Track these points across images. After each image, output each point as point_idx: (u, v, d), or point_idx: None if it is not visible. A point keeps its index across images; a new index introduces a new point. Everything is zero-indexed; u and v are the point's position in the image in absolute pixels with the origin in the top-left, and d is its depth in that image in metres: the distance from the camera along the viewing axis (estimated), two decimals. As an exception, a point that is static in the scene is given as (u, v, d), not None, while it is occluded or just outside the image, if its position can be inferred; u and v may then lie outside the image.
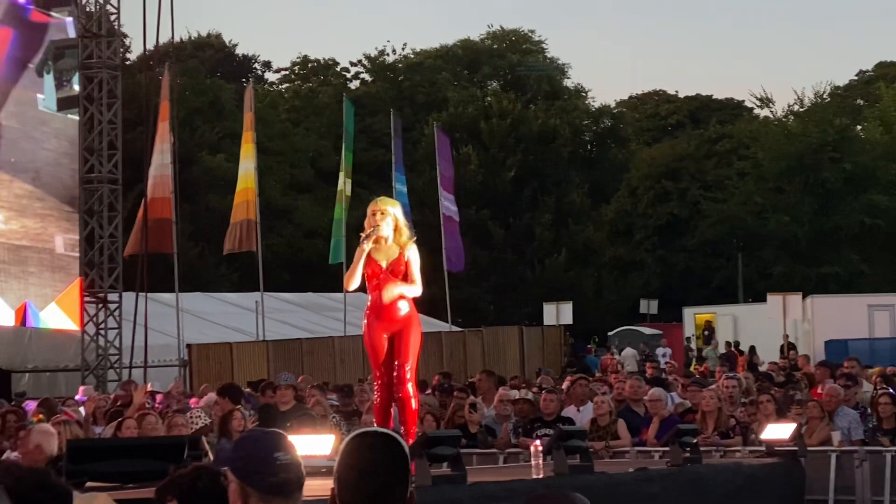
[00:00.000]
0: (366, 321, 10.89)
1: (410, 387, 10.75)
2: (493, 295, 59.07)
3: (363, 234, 10.70)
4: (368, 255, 10.67)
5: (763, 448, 13.55)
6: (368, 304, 10.89)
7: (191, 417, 14.64)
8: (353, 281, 10.78)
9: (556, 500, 3.49)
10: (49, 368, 31.68)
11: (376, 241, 10.66)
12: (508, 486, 10.03)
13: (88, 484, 8.37)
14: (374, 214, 10.75)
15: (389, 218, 10.70)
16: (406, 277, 10.68)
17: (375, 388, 11.05)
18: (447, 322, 38.31)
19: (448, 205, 38.46)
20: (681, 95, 77.75)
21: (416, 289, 10.71)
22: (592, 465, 11.07)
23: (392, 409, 10.92)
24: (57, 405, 17.77)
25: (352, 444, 3.99)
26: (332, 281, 38.70)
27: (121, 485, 8.77)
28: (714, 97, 77.68)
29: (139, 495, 8.61)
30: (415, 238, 10.87)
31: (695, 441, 12.56)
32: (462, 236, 41.35)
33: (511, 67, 70.61)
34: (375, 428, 4.24)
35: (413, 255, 10.71)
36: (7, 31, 29.76)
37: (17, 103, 29.77)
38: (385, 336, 10.76)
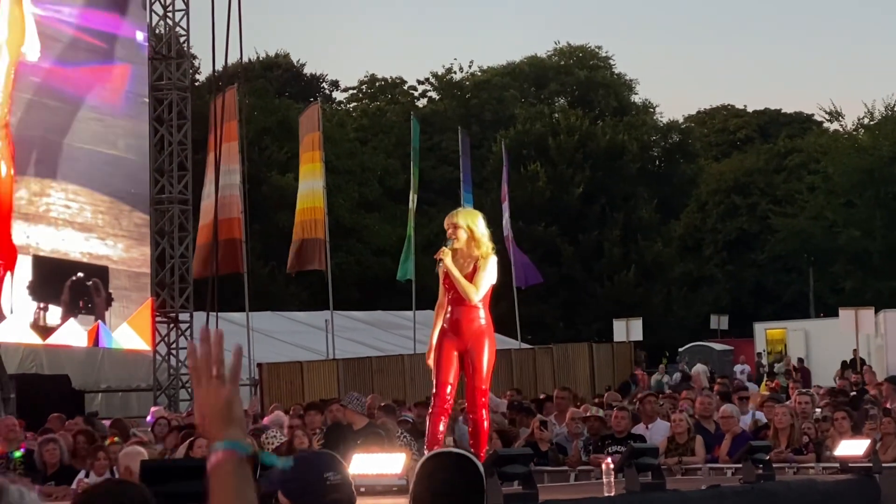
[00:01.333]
0: (437, 334, 10.77)
1: (484, 410, 10.63)
2: (563, 311, 58.92)
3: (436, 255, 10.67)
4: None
5: (837, 465, 13.41)
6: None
7: (265, 438, 14.73)
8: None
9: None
10: (121, 388, 31.95)
11: (453, 254, 10.61)
12: (580, 505, 9.98)
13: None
14: (448, 229, 10.71)
15: (462, 231, 10.62)
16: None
17: (432, 402, 10.84)
18: (516, 339, 38.26)
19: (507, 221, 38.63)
20: (749, 110, 77.39)
21: (471, 290, 10.50)
22: (664, 483, 11.00)
23: (442, 426, 10.70)
24: (129, 426, 17.90)
25: (428, 464, 3.99)
26: (401, 298, 38.78)
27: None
28: (783, 111, 77.24)
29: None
30: (494, 250, 10.72)
31: (768, 458, 12.45)
32: (530, 253, 41.28)
33: (579, 84, 70.52)
34: (451, 449, 4.22)
35: (484, 264, 10.57)
36: (125, 67, 30.25)
37: (135, 136, 30.26)
38: (455, 353, 10.63)
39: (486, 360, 10.61)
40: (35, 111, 27.49)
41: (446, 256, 10.58)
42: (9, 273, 26.88)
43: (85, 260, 28.70)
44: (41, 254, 27.69)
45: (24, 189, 27.43)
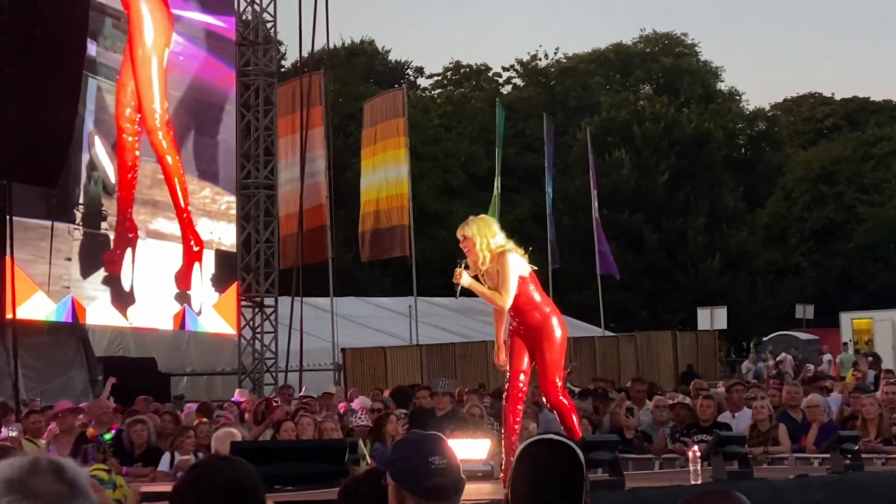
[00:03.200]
0: (507, 331, 10.58)
1: (562, 397, 10.45)
2: (646, 300, 58.67)
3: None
4: (479, 277, 10.33)
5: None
6: None
7: (352, 420, 14.87)
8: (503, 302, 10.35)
9: (717, 497, 3.43)
10: (206, 372, 32.22)
11: (470, 269, 10.31)
12: (667, 492, 9.93)
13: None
14: (460, 242, 10.48)
15: (469, 242, 10.34)
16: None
17: (506, 390, 10.63)
18: (600, 326, 38.18)
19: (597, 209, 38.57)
20: (837, 98, 76.51)
21: (497, 298, 10.18)
22: (752, 472, 10.93)
23: (517, 413, 10.45)
24: (215, 409, 18.04)
25: (526, 452, 3.96)
26: (484, 285, 38.81)
27: (281, 487, 8.87)
28: (871, 99, 76.29)
29: (301, 497, 8.71)
30: (505, 246, 10.34)
31: (856, 448, 12.32)
32: (614, 241, 41.17)
33: (664, 71, 70.12)
34: (551, 436, 4.18)
35: (503, 264, 10.22)
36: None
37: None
38: (523, 344, 10.46)
39: (552, 349, 10.38)
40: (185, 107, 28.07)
41: (461, 277, 10.25)
42: (196, 264, 27.58)
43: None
44: (223, 248, 28.63)
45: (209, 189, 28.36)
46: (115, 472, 9.23)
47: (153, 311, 26.80)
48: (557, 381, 10.42)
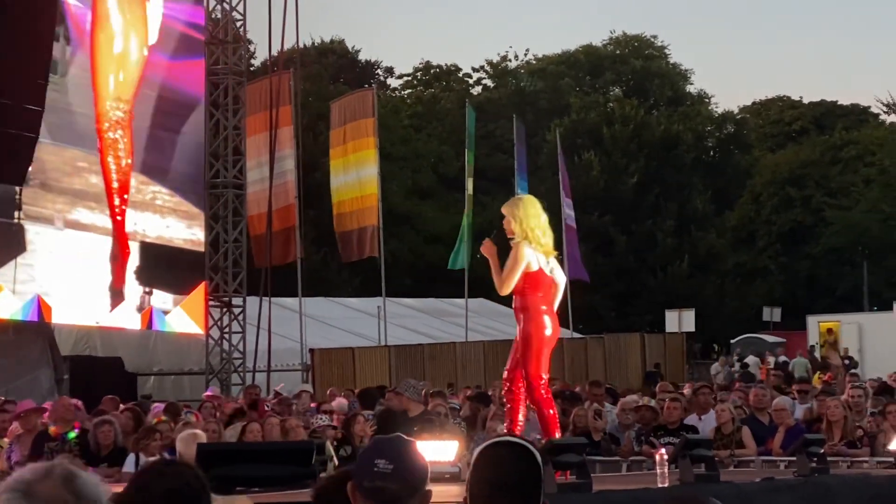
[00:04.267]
0: None
1: (543, 392, 10.59)
2: (615, 302, 58.78)
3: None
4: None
5: (892, 459, 13.30)
6: None
7: (314, 421, 14.82)
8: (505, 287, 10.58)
9: (689, 502, 3.44)
10: (174, 371, 32.11)
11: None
12: (634, 495, 9.93)
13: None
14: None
15: (506, 220, 10.63)
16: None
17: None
18: (569, 328, 38.22)
19: (569, 212, 38.45)
20: (805, 101, 76.79)
21: (497, 281, 10.48)
22: (718, 475, 10.94)
23: (517, 415, 10.76)
24: (182, 409, 17.97)
25: (484, 453, 3.95)
26: (453, 286, 38.79)
27: (246, 490, 8.83)
28: (839, 103, 76.59)
29: (268, 499, 8.67)
30: (518, 238, 10.54)
31: (822, 451, 12.35)
32: (583, 243, 41.15)
33: (634, 73, 70.27)
34: (508, 437, 4.17)
35: (513, 253, 10.50)
36: None
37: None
38: (517, 338, 10.70)
39: (531, 348, 10.53)
40: (145, 104, 27.77)
41: (487, 248, 10.58)
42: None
43: (188, 247, 29.02)
44: (147, 240, 27.87)
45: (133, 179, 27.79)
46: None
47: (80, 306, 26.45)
48: (531, 377, 10.53)
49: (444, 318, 40.36)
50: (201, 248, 29.46)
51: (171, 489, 3.82)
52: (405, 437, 4.21)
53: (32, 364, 25.99)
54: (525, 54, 72.68)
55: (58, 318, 25.92)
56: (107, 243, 26.60)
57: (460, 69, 73.58)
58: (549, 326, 10.62)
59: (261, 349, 28.75)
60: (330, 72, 65.57)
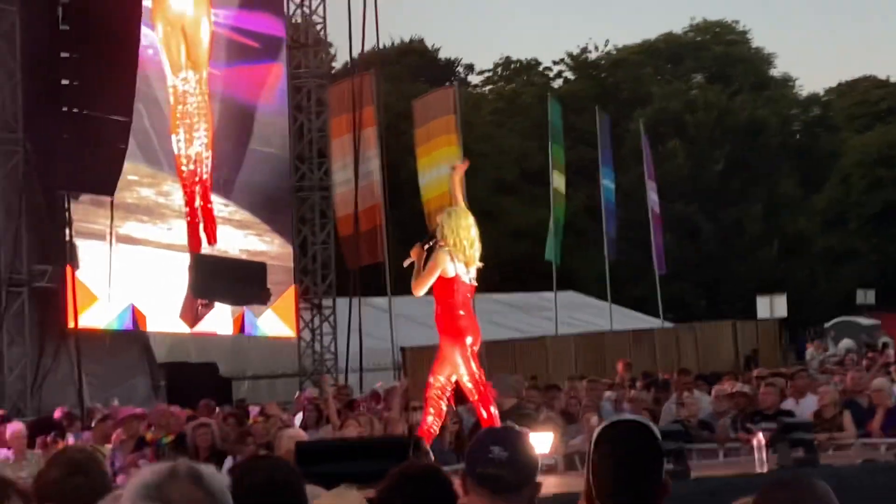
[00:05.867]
0: None
1: (432, 393, 11.41)
2: (703, 290, 58.37)
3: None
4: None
5: None
6: None
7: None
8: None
9: (795, 486, 3.42)
10: (267, 375, 32.32)
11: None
12: (732, 482, 9.89)
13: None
14: None
15: (439, 228, 11.46)
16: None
17: None
18: (659, 318, 38.04)
19: (654, 197, 38.38)
20: (892, 80, 75.77)
21: (413, 281, 11.33)
22: (817, 458, 10.86)
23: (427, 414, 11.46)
24: (278, 410, 18.10)
25: (605, 433, 3.96)
26: (542, 280, 38.69)
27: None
28: (927, 80, 75.58)
29: (368, 495, 8.70)
30: (443, 243, 11.27)
31: (923, 432, 12.21)
32: (670, 231, 40.93)
33: (716, 59, 69.76)
34: (627, 416, 4.20)
35: (433, 257, 11.22)
36: (280, 66, 30.55)
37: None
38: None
39: (439, 349, 11.52)
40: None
41: (414, 254, 11.41)
42: None
43: (244, 256, 29.02)
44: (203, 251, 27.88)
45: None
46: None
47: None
48: (435, 379, 11.35)
49: (533, 313, 40.27)
50: (261, 259, 29.21)
51: (265, 480, 3.86)
52: (517, 426, 4.23)
53: (129, 372, 26.29)
54: (605, 45, 72.39)
55: (152, 326, 26.21)
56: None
57: (540, 63, 73.42)
58: (461, 330, 11.34)
59: (352, 350, 28.86)
60: (411, 71, 65.64)
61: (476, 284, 11.54)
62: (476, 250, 11.48)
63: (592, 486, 3.93)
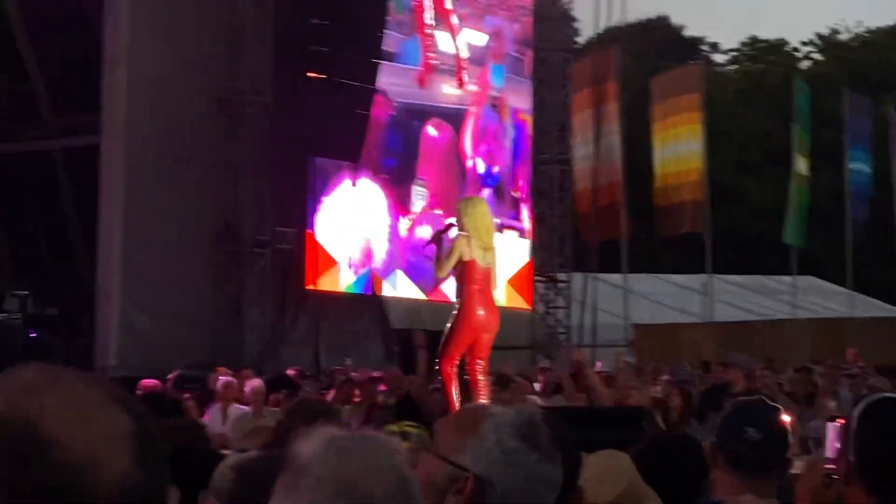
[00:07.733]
0: None
1: (449, 369, 12.54)
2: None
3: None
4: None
5: None
6: None
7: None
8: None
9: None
10: (499, 346, 32.43)
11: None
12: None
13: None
14: None
15: (458, 216, 12.00)
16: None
17: None
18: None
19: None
20: None
21: (435, 265, 12.06)
22: None
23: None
24: (511, 378, 18.20)
25: (874, 408, 3.83)
26: (780, 263, 38.06)
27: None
28: None
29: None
30: (469, 232, 11.84)
31: None
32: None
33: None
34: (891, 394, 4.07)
35: (453, 242, 11.87)
36: None
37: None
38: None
39: (452, 330, 12.51)
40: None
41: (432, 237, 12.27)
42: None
43: None
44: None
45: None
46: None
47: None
48: (456, 358, 12.50)
49: (770, 296, 39.63)
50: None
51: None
52: (771, 402, 4.17)
53: (363, 336, 26.66)
54: (857, 26, 70.62)
55: (388, 291, 26.56)
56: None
57: (788, 43, 72.03)
58: (477, 312, 12.24)
59: (585, 325, 28.85)
60: (654, 49, 65.12)
61: (492, 268, 12.13)
62: (491, 238, 12.13)
63: (857, 464, 3.81)
